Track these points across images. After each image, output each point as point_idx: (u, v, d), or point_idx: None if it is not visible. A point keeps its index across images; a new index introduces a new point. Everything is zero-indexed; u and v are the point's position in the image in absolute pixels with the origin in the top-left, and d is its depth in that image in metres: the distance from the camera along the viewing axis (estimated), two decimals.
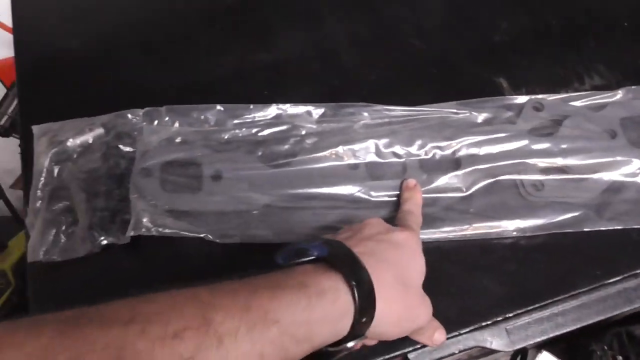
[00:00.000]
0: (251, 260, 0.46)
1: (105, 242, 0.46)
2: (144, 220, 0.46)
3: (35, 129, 0.51)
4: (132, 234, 0.45)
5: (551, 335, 0.44)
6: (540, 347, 0.68)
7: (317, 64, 0.57)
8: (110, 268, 0.47)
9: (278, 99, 0.53)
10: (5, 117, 1.03)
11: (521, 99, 0.52)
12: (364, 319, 0.34)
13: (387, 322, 0.36)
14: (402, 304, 0.37)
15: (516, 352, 0.74)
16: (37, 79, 0.59)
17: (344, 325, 0.34)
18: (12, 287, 1.07)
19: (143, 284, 0.46)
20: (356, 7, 0.61)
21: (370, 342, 0.40)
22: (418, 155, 0.49)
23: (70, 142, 0.50)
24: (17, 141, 1.10)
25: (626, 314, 0.47)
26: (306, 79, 0.56)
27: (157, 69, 0.58)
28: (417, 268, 0.40)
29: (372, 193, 0.47)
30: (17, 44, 0.62)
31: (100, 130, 0.50)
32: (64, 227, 0.47)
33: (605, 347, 0.73)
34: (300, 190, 0.47)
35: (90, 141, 0.50)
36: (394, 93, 0.53)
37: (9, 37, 0.90)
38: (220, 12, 0.61)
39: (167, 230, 0.46)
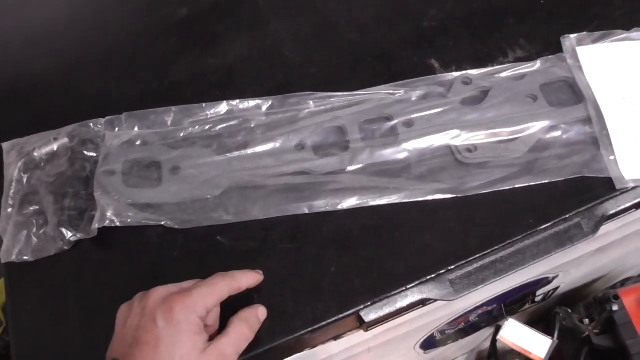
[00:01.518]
0: (210, 241, 0.50)
1: (74, 238, 0.50)
2: (109, 213, 0.49)
3: (5, 145, 0.55)
4: (97, 226, 0.49)
5: (492, 281, 0.48)
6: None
7: (263, 62, 0.62)
8: (81, 262, 0.50)
9: (230, 98, 0.57)
10: None
11: (451, 76, 0.57)
12: None
13: None
14: None
15: (495, 332, 0.77)
16: (3, 102, 0.63)
17: None
18: (3, 326, 1.09)
19: (112, 273, 0.50)
20: (297, 8, 0.66)
21: None
22: (359, 134, 0.53)
23: (37, 152, 0.54)
24: None
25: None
26: (254, 78, 0.60)
27: (114, 83, 0.63)
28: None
29: (318, 169, 0.51)
30: None
31: (65, 140, 0.54)
32: (35, 229, 0.50)
33: (569, 310, 0.77)
34: (252, 172, 0.51)
35: (56, 149, 0.54)
36: (335, 82, 0.58)
37: None
38: (171, 26, 0.67)
39: (130, 221, 0.49)
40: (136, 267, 0.50)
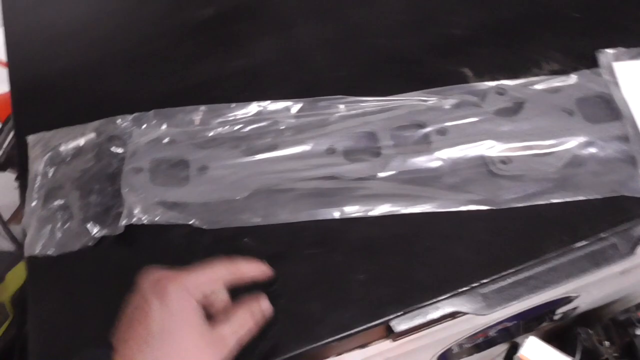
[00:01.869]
0: (236, 243, 0.49)
1: (99, 234, 0.49)
2: (136, 210, 0.48)
3: (30, 137, 0.55)
4: (125, 223, 0.48)
5: (525, 297, 0.47)
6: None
7: (291, 65, 0.61)
8: (105, 260, 0.50)
9: (256, 100, 0.57)
10: (1, 152, 1.07)
11: (485, 85, 0.56)
12: None
13: None
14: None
15: (510, 348, 0.76)
16: (30, 98, 0.63)
17: None
18: (10, 318, 1.08)
19: (136, 272, 0.49)
20: (324, 12, 0.65)
21: None
22: (391, 140, 0.52)
23: (63, 147, 0.53)
24: (13, 176, 1.13)
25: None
26: (282, 80, 0.59)
27: (140, 81, 0.62)
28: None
29: (348, 174, 0.50)
30: (11, 68, 0.66)
31: (91, 135, 0.53)
32: (59, 224, 0.50)
33: (590, 331, 0.75)
34: (281, 175, 0.50)
35: (82, 144, 0.53)
36: (364, 87, 0.57)
37: (3, 73, 0.94)
38: (197, 26, 0.66)
39: (157, 219, 0.48)
40: (161, 267, 0.49)
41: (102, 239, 0.50)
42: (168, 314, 0.37)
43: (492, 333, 0.70)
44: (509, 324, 0.70)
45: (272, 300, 0.45)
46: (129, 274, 0.48)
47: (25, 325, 0.91)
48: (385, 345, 0.52)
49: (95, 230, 0.49)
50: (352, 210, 0.49)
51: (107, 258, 0.49)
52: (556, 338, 0.89)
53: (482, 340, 0.72)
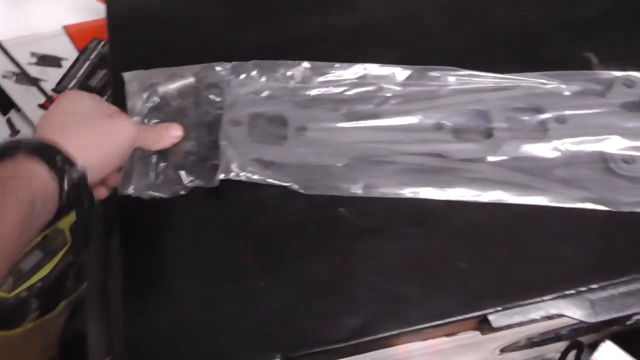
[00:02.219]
0: (330, 211, 0.47)
1: (192, 184, 0.47)
2: (233, 165, 0.46)
3: (127, 75, 0.53)
4: (221, 177, 0.46)
5: (636, 309, 0.43)
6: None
7: (400, 27, 0.57)
8: (195, 211, 0.48)
9: (359, 61, 0.53)
10: (74, 81, 1.07)
11: (611, 74, 0.51)
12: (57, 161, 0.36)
13: (92, 156, 0.39)
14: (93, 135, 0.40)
15: (570, 345, 0.73)
16: (125, 34, 0.61)
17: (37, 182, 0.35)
18: (67, 245, 1.10)
19: (226, 227, 0.47)
20: None
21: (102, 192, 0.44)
22: (505, 122, 0.49)
23: (161, 88, 0.51)
24: None
25: None
26: (388, 42, 0.56)
27: (239, 26, 0.59)
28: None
29: (456, 153, 0.47)
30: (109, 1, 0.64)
31: (190, 79, 0.51)
32: (153, 167, 0.48)
33: None
34: (383, 146, 0.48)
35: (181, 88, 0.51)
36: (478, 61, 0.53)
37: (82, 3, 0.93)
38: None
39: (254, 177, 0.46)
40: (251, 225, 0.47)
41: (194, 189, 0.48)
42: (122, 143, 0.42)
43: (564, 331, 0.67)
44: (583, 325, 0.67)
45: (363, 276, 0.43)
46: (218, 227, 0.47)
47: (80, 253, 0.93)
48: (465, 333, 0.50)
49: (188, 179, 0.47)
50: (459, 193, 0.46)
51: (198, 210, 0.48)
52: (621, 339, 0.86)
53: (553, 337, 0.70)
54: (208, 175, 0.47)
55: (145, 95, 0.50)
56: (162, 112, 0.50)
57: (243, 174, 0.46)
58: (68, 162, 0.37)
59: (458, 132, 0.49)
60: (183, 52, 0.56)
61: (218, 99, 0.51)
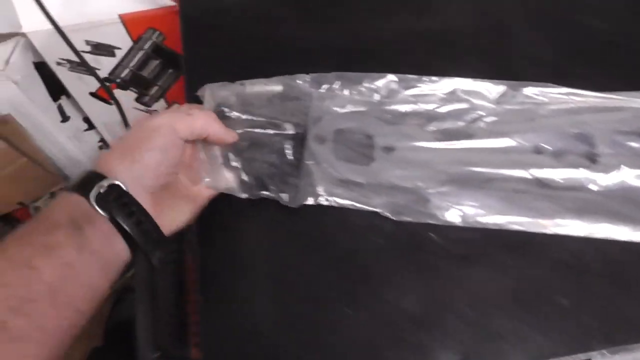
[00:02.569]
0: (421, 236, 0.44)
1: (273, 194, 0.45)
2: (319, 189, 0.44)
3: (203, 90, 0.50)
4: (309, 202, 0.44)
5: None
6: None
7: (489, 36, 0.54)
8: (274, 227, 0.46)
9: (447, 71, 0.50)
10: (127, 71, 1.05)
11: None
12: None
13: (133, 162, 0.38)
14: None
15: None
16: (198, 34, 0.58)
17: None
18: None
19: (306, 247, 0.45)
20: None
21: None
22: (611, 148, 0.45)
23: (233, 99, 0.49)
24: (134, 95, 1.12)
25: None
26: (477, 52, 0.53)
27: (317, 29, 0.57)
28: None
29: (558, 180, 0.44)
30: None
31: (274, 88, 0.48)
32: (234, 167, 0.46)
33: None
34: (478, 169, 0.45)
35: (260, 98, 0.49)
36: (574, 76, 0.49)
37: None
38: None
39: (342, 202, 0.44)
40: (336, 246, 0.45)
41: (272, 203, 0.46)
42: (155, 133, 0.39)
43: None
44: None
45: (455, 308, 0.41)
46: (300, 246, 0.46)
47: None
48: None
49: (265, 192, 0.45)
50: (560, 224, 0.43)
51: (278, 225, 0.46)
52: None
53: None
54: (289, 191, 0.45)
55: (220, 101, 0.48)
56: (241, 120, 0.47)
57: (331, 198, 0.44)
58: (94, 178, 0.36)
59: (559, 157, 0.45)
60: (256, 57, 0.54)
61: (299, 113, 0.48)
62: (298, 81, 0.50)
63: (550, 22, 0.54)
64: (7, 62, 0.97)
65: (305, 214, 0.46)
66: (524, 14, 0.54)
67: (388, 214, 0.44)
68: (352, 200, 0.45)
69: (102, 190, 0.35)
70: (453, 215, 0.44)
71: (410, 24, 0.55)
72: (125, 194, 0.37)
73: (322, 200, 0.44)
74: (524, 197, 0.44)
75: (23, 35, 0.97)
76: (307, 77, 0.50)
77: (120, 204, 0.36)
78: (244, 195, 0.46)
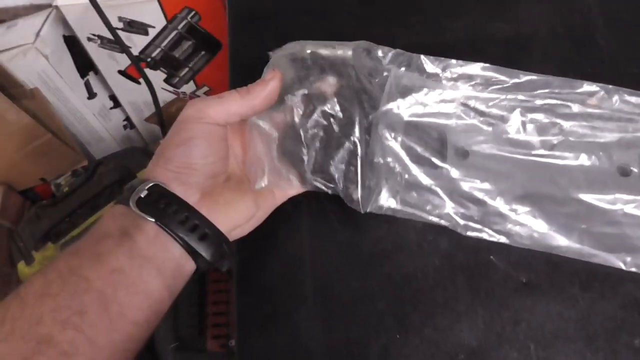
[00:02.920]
0: (481, 257, 0.40)
1: (332, 191, 0.41)
2: (385, 198, 0.40)
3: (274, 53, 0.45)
4: (370, 209, 0.40)
5: None
6: None
7: (566, 43, 0.49)
8: (324, 237, 0.43)
9: None
10: (158, 50, 1.02)
11: None
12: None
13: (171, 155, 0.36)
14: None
15: None
16: (246, 21, 0.55)
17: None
18: None
19: (355, 263, 0.41)
20: None
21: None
22: None
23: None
24: (163, 75, 1.09)
25: None
26: (553, 60, 0.48)
27: (376, 22, 0.52)
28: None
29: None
30: None
31: (348, 53, 0.42)
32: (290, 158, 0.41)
33: None
34: (556, 190, 0.41)
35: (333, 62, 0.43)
36: None
37: None
38: None
39: (408, 209, 0.40)
40: (389, 264, 0.42)
41: (323, 207, 0.43)
42: (182, 125, 0.36)
43: None
44: None
45: (515, 341, 0.37)
46: (350, 262, 0.42)
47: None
48: None
49: (323, 186, 0.40)
50: None
51: (327, 236, 0.42)
52: None
53: None
54: (350, 193, 0.40)
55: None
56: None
57: (397, 206, 0.40)
58: (137, 185, 0.35)
59: None
60: None
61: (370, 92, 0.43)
62: (379, 53, 0.44)
63: (636, 33, 0.49)
64: (37, 34, 0.95)
65: (357, 224, 0.43)
66: (605, 23, 0.49)
67: (458, 229, 0.40)
68: (419, 210, 0.40)
69: (142, 195, 0.34)
70: (529, 238, 0.39)
71: (481, 25, 0.51)
72: (167, 193, 0.34)
73: (388, 205, 0.40)
74: (605, 229, 0.39)
75: (55, 7, 0.95)
76: (391, 50, 0.45)
77: (162, 205, 0.34)
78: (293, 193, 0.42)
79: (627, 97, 0.43)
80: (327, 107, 0.40)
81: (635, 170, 0.41)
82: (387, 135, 0.41)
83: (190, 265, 0.35)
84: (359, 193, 0.39)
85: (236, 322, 0.41)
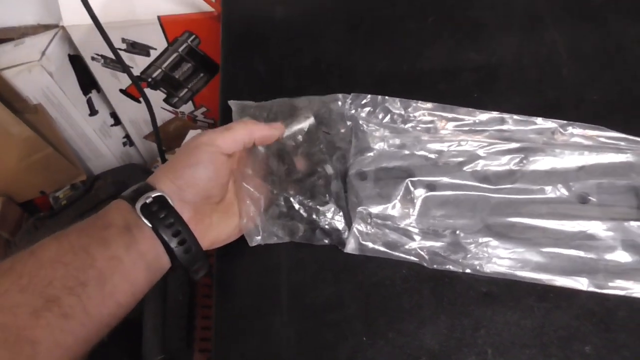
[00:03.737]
0: (448, 271, 0.43)
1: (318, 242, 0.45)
2: (362, 238, 0.44)
3: (234, 104, 0.50)
4: (351, 251, 0.44)
5: None
6: None
7: (532, 72, 0.53)
8: (296, 249, 0.45)
9: (490, 104, 0.50)
10: (159, 71, 1.06)
11: None
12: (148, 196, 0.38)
13: (176, 177, 0.40)
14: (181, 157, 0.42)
15: None
16: (238, 44, 0.59)
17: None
18: None
19: (328, 273, 0.44)
20: (580, 17, 0.56)
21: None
22: None
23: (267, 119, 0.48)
24: (162, 95, 1.13)
25: None
26: (519, 88, 0.52)
27: (359, 48, 0.56)
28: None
29: (605, 234, 0.42)
30: (224, 8, 0.62)
31: (310, 119, 0.48)
32: (274, 214, 0.46)
33: None
34: (519, 219, 0.44)
35: (300, 126, 0.48)
36: (619, 120, 0.48)
37: None
38: (431, 3, 0.58)
39: (379, 248, 0.44)
40: (360, 273, 0.44)
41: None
42: (194, 150, 0.42)
43: None
44: None
45: (473, 347, 0.40)
46: (323, 271, 0.45)
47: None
48: None
49: (323, 241, 0.45)
50: (602, 285, 0.41)
51: (300, 248, 0.45)
52: None
53: None
54: (334, 233, 0.45)
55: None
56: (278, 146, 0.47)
57: (372, 246, 0.43)
58: (144, 190, 0.39)
59: (604, 209, 0.44)
60: (295, 72, 0.54)
61: (334, 138, 0.48)
62: (338, 103, 0.49)
63: (600, 62, 0.53)
64: (43, 52, 0.99)
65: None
66: (569, 53, 0.53)
67: (425, 263, 0.43)
68: (389, 249, 0.44)
69: (148, 201, 0.38)
70: (491, 267, 0.42)
71: (454, 54, 0.54)
72: (168, 205, 0.39)
73: (363, 251, 0.44)
74: (565, 253, 0.42)
75: (62, 28, 0.99)
76: (348, 96, 0.49)
77: (162, 215, 0.38)
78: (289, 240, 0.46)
79: (581, 131, 0.47)
80: (304, 166, 0.46)
81: (593, 198, 0.44)
82: (359, 184, 0.45)
83: (167, 264, 0.40)
84: (353, 244, 0.44)
85: (214, 326, 0.44)
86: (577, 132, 0.47)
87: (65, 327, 0.33)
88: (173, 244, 0.39)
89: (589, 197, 0.44)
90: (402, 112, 0.48)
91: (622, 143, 0.46)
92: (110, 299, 0.36)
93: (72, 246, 0.35)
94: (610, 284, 0.41)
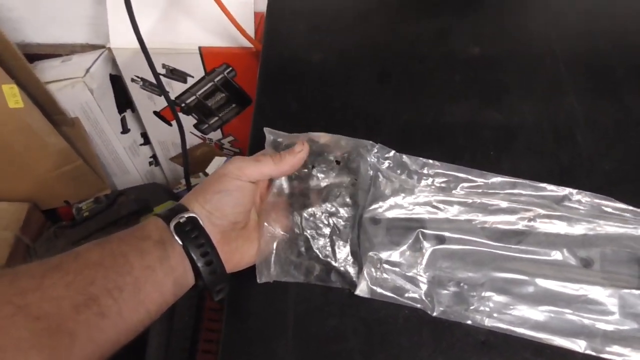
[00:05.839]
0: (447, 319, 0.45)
1: (332, 284, 0.47)
2: (372, 283, 0.46)
3: (268, 132, 0.53)
4: (362, 294, 0.46)
5: None
6: None
7: (549, 136, 0.55)
8: (306, 315, 0.47)
9: (502, 163, 0.52)
10: (193, 98, 1.11)
11: None
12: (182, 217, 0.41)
13: (205, 201, 0.43)
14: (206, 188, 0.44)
15: None
16: (274, 80, 0.62)
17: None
18: None
19: (333, 305, 0.46)
20: (599, 90, 0.58)
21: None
22: None
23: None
24: (193, 120, 1.17)
25: None
26: (535, 151, 0.54)
27: (387, 97, 0.59)
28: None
29: (606, 299, 0.44)
30: (265, 46, 0.66)
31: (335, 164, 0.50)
32: (289, 253, 0.48)
33: None
34: (523, 277, 0.45)
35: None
36: (631, 192, 0.50)
37: (221, 29, 0.96)
38: (460, 62, 0.62)
39: (386, 293, 0.46)
40: (364, 309, 0.46)
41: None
42: (222, 177, 0.44)
43: None
44: None
45: None
46: (328, 304, 0.46)
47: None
48: None
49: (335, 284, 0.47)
50: (606, 351, 0.42)
51: (307, 313, 0.47)
52: None
53: None
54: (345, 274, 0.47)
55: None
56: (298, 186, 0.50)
57: (380, 291, 0.45)
58: (178, 210, 0.42)
59: (608, 275, 0.45)
60: (323, 113, 0.57)
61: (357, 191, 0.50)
62: (361, 150, 0.50)
63: (615, 133, 0.55)
64: (87, 70, 1.04)
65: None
66: (585, 122, 0.56)
67: (428, 310, 0.45)
68: (396, 294, 0.45)
69: (181, 220, 0.41)
70: (491, 322, 0.44)
71: (476, 112, 0.57)
72: (199, 227, 0.42)
73: (372, 289, 0.46)
74: (565, 314, 0.44)
75: (108, 49, 1.05)
76: (375, 146, 0.51)
77: (193, 235, 0.41)
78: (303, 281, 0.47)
79: (589, 200, 0.49)
80: (325, 208, 0.49)
81: (597, 264, 0.45)
82: (372, 229, 0.47)
83: (192, 282, 0.42)
84: (365, 286, 0.46)
85: (221, 343, 0.46)
86: (586, 201, 0.48)
87: (101, 325, 0.35)
88: (200, 263, 0.41)
89: (593, 262, 0.45)
90: (419, 170, 0.50)
91: (628, 214, 0.47)
92: (142, 306, 0.38)
93: (113, 252, 0.38)
94: (608, 349, 0.42)
